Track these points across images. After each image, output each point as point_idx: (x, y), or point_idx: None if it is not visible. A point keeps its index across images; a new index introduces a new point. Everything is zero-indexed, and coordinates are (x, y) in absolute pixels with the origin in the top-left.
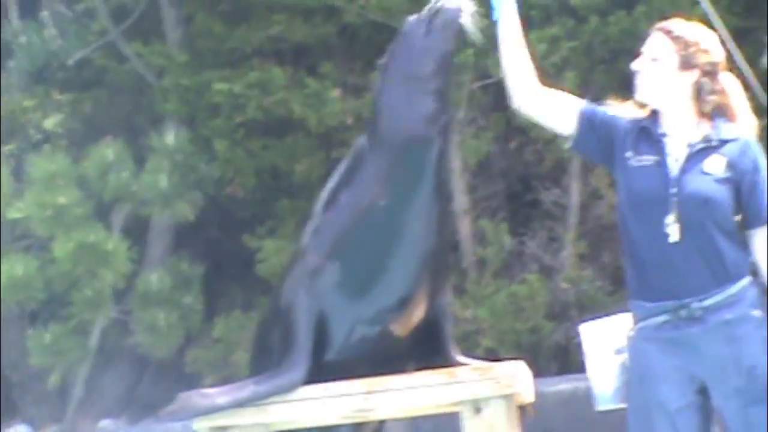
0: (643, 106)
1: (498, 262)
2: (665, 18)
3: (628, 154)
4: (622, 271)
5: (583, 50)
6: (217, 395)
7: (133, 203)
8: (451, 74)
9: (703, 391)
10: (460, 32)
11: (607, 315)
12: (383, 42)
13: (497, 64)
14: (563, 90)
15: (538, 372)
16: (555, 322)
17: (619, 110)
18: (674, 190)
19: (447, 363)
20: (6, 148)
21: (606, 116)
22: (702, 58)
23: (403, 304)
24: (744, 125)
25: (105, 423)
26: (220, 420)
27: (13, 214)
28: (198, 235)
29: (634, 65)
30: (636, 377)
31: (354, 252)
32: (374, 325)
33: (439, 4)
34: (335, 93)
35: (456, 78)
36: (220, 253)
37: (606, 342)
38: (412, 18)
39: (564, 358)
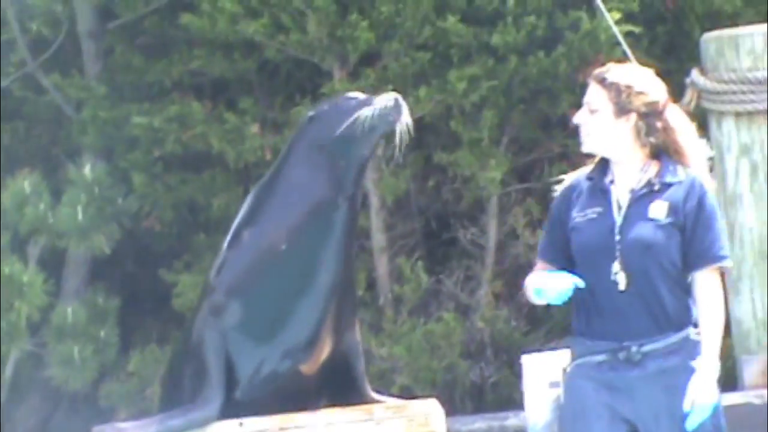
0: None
1: (414, 300)
2: (585, 59)
3: (574, 213)
4: (538, 310)
5: (502, 89)
6: (132, 430)
7: (50, 235)
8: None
9: None
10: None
11: (534, 351)
12: (303, 78)
13: (417, 101)
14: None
15: (453, 411)
16: (470, 361)
17: (564, 188)
18: (618, 237)
19: (360, 399)
20: None
21: (555, 222)
22: (636, 101)
23: (309, 342)
24: (694, 161)
25: None
26: None
27: None
28: (114, 269)
29: (576, 118)
30: (569, 413)
31: (256, 291)
32: (281, 363)
33: (390, 108)
34: (254, 128)
35: None
36: (136, 286)
37: (543, 375)
38: (354, 99)
39: (479, 397)
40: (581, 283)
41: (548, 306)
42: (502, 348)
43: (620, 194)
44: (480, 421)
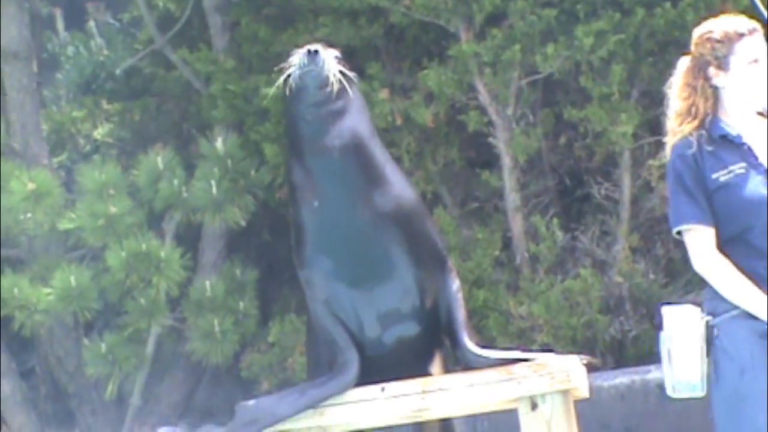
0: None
1: (551, 258)
2: (712, 9)
3: (715, 173)
4: (675, 263)
5: (629, 43)
6: (277, 404)
7: (185, 210)
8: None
9: None
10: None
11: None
12: (430, 41)
13: (545, 59)
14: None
15: (594, 366)
16: (610, 316)
17: (682, 152)
18: None
19: (458, 350)
20: (56, 160)
21: (695, 185)
22: None
23: (403, 299)
24: None
25: (163, 431)
26: (277, 423)
27: (65, 224)
28: (250, 240)
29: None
30: (728, 367)
31: (325, 254)
32: (385, 323)
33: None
34: (383, 94)
35: (503, 75)
36: (272, 257)
37: (691, 328)
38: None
39: (619, 352)
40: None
41: (685, 258)
42: (640, 302)
43: (756, 147)
44: (621, 376)
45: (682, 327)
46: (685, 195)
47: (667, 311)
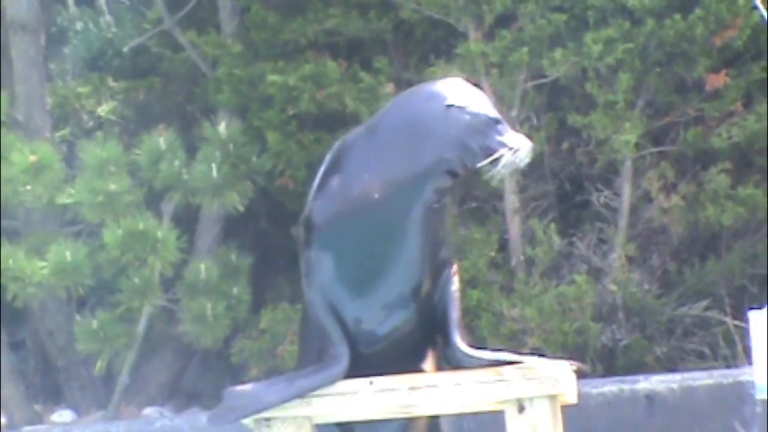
0: None
1: (546, 262)
2: (722, 23)
3: None
4: (670, 274)
5: (638, 53)
6: (264, 392)
7: (184, 192)
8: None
9: None
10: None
11: (659, 318)
12: (438, 39)
13: (552, 63)
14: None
15: (584, 373)
16: (602, 324)
17: None
18: None
19: (449, 350)
20: (59, 134)
21: None
22: None
23: (405, 294)
24: None
25: (149, 410)
26: (263, 412)
27: (63, 199)
28: (247, 226)
29: None
30: None
31: (347, 244)
32: (382, 316)
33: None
34: (389, 88)
35: (510, 77)
36: (268, 244)
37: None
38: (497, 123)
39: (609, 361)
40: None
41: (681, 269)
42: (633, 311)
43: None
44: (610, 384)
45: (759, 331)
46: None
47: (752, 315)
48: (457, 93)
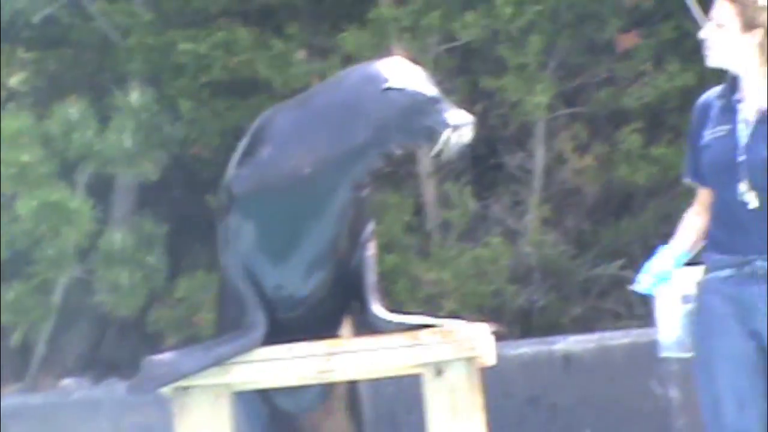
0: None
1: (462, 225)
2: None
3: (706, 131)
4: (585, 235)
5: (548, 14)
6: (182, 361)
7: (97, 162)
8: None
9: (762, 350)
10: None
11: (575, 278)
12: (349, 4)
13: (464, 26)
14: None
15: (501, 335)
16: (518, 286)
17: (698, 105)
18: (743, 157)
19: (367, 316)
20: None
21: (691, 139)
22: (763, 17)
23: (324, 261)
24: None
25: (67, 381)
26: (182, 381)
27: None
28: (162, 195)
29: (701, 33)
30: (699, 326)
31: (268, 212)
32: (299, 283)
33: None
34: (301, 54)
35: (422, 41)
36: (183, 212)
37: (675, 290)
38: (435, 102)
39: (526, 322)
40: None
41: (595, 230)
42: (549, 272)
43: (748, 112)
44: (527, 346)
45: (661, 291)
46: (687, 147)
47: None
48: (396, 74)
